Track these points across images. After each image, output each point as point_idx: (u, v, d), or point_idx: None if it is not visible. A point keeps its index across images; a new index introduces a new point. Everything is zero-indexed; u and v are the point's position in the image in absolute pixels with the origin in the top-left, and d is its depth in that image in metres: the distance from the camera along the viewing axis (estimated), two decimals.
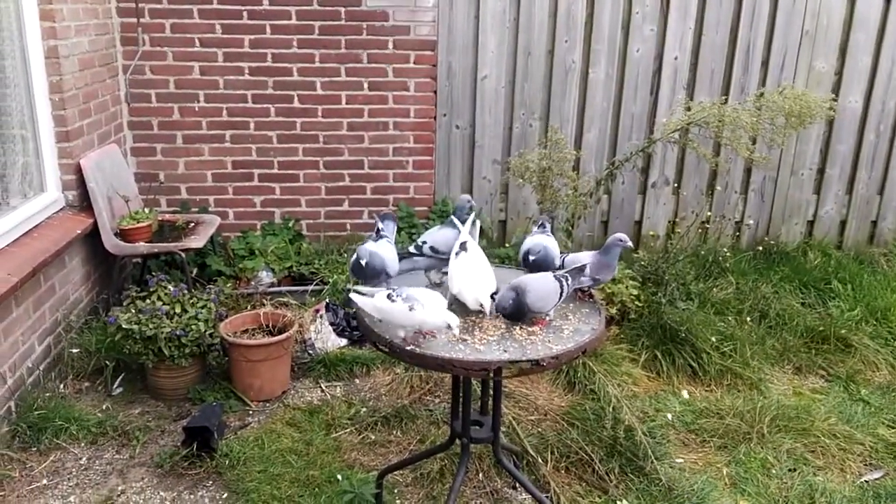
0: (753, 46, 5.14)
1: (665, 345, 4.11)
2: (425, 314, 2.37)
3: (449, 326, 2.36)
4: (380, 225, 2.88)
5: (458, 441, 2.84)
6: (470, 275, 2.56)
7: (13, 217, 3.72)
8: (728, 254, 4.98)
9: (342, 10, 4.84)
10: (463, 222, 2.84)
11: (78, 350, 3.90)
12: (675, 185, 5.40)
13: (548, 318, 2.59)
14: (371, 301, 2.47)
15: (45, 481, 3.18)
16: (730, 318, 4.40)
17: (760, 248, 5.30)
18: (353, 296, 2.54)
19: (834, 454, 3.42)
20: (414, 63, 4.99)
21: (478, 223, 2.87)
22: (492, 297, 2.53)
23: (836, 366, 4.21)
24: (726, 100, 4.95)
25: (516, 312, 2.51)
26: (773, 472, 3.31)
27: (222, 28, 4.82)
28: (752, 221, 5.49)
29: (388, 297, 2.42)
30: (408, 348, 2.39)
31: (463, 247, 2.65)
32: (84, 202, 4.21)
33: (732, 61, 5.18)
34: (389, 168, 5.19)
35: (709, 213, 5.38)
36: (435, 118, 5.14)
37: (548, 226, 3.03)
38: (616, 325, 4.38)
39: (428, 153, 5.19)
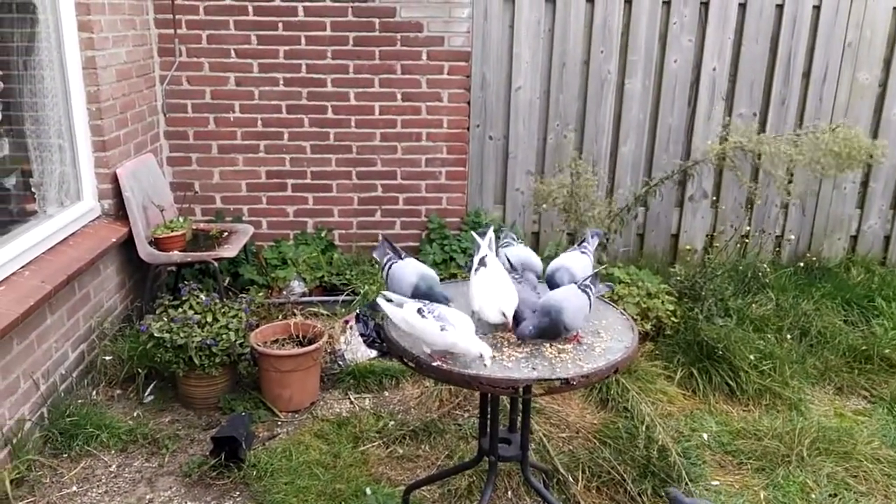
0: (794, 58, 5.04)
1: (701, 362, 4.02)
2: (457, 337, 2.29)
3: (481, 356, 2.30)
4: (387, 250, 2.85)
5: (485, 458, 2.80)
6: (491, 291, 2.49)
7: (49, 225, 3.78)
8: (768, 269, 4.86)
9: (377, 21, 4.84)
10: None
11: (111, 357, 3.94)
12: (714, 198, 5.29)
13: (581, 335, 2.53)
14: (399, 312, 2.41)
15: (74, 488, 3.20)
16: (769, 336, 4.29)
17: (801, 264, 5.17)
18: (380, 301, 2.48)
19: (877, 479, 3.30)
20: (448, 74, 4.98)
21: (491, 237, 2.78)
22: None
23: (879, 387, 4.07)
24: (766, 110, 4.90)
25: (547, 334, 2.46)
26: (813, 496, 3.20)
27: (258, 39, 4.85)
28: (793, 236, 5.36)
29: (419, 311, 2.35)
30: (434, 364, 2.34)
31: (482, 262, 2.58)
32: (120, 211, 4.26)
33: (773, 72, 5.07)
34: (422, 179, 5.17)
35: (748, 228, 5.27)
36: (468, 129, 5.11)
37: (591, 242, 2.93)
38: (651, 341, 4.30)
39: (461, 164, 5.16)
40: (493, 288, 2.50)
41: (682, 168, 4.55)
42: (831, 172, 4.18)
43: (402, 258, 2.78)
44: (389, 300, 2.49)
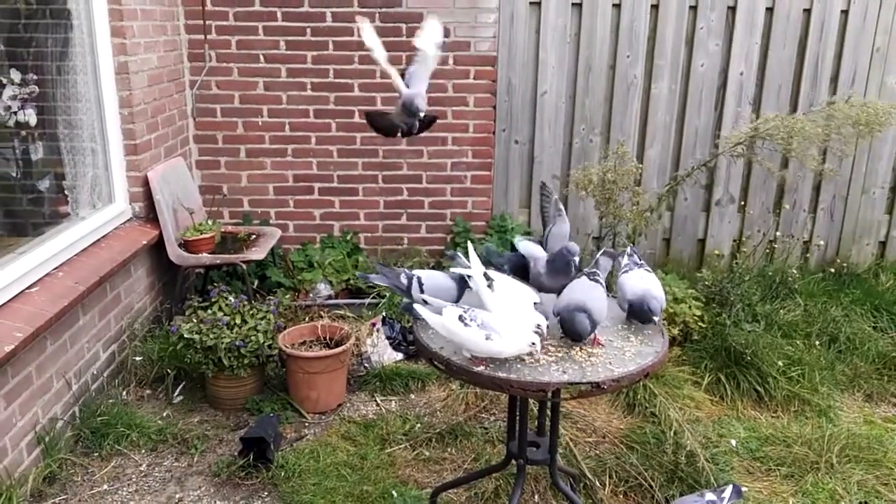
0: (822, 62, 5.00)
1: (729, 368, 4.00)
2: (503, 345, 2.28)
3: (533, 344, 2.30)
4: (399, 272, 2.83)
5: (513, 462, 2.80)
6: (515, 306, 2.44)
7: (82, 227, 3.83)
8: (796, 274, 4.83)
9: (403, 26, 4.86)
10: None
11: (141, 358, 3.98)
12: (741, 202, 5.26)
13: (599, 338, 2.53)
14: (439, 319, 2.37)
15: (105, 486, 3.24)
16: (797, 342, 4.25)
17: (830, 270, 5.13)
18: (417, 307, 2.44)
19: None
20: (474, 78, 4.99)
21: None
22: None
23: None
24: (794, 114, 4.86)
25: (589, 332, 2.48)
26: None
27: (286, 44, 4.89)
28: (821, 242, 5.32)
29: (460, 318, 2.32)
30: (476, 369, 2.33)
31: (487, 277, 2.51)
32: (150, 214, 4.31)
33: (800, 77, 5.04)
34: (447, 183, 5.19)
35: (776, 233, 5.24)
36: (494, 133, 5.12)
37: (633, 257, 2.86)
38: (678, 346, 4.28)
39: (486, 168, 5.17)
40: (515, 302, 2.46)
41: (703, 163, 4.54)
42: (853, 141, 4.27)
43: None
44: (426, 303, 2.46)
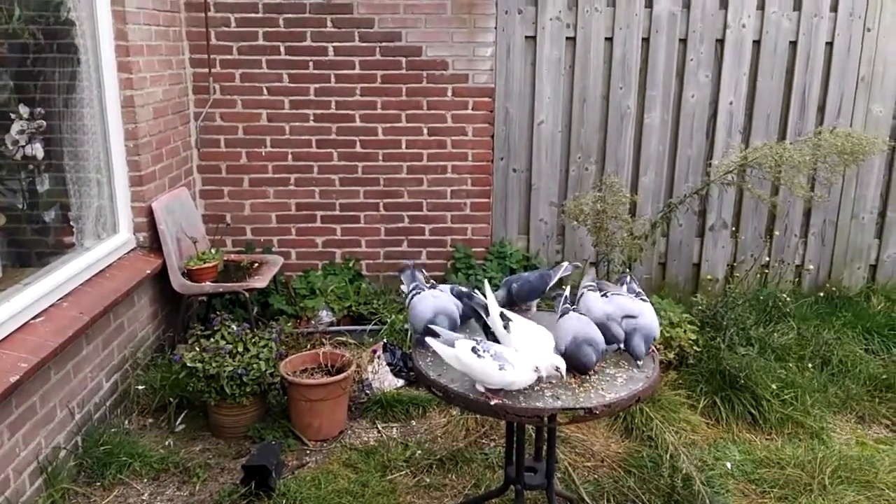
0: (809, 91, 5.12)
1: (724, 391, 4.05)
2: (516, 376, 2.28)
3: (557, 368, 2.33)
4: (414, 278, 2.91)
5: (512, 487, 2.85)
6: (534, 345, 2.44)
7: (87, 258, 3.88)
8: (788, 298, 4.90)
9: (403, 60, 4.99)
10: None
11: (143, 387, 4.02)
12: (734, 228, 5.35)
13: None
14: (452, 351, 2.37)
15: None
16: (791, 365, 4.31)
17: (822, 293, 5.20)
18: (429, 339, 2.46)
19: None
20: (472, 109, 5.10)
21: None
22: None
23: None
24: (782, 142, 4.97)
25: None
26: None
27: (289, 77, 5.01)
28: (812, 266, 5.40)
29: (473, 350, 2.32)
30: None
31: (503, 317, 2.53)
32: (154, 243, 4.37)
33: (788, 106, 5.15)
34: (447, 210, 5.28)
35: (767, 258, 5.31)
36: (492, 162, 5.22)
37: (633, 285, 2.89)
38: (674, 370, 4.34)
39: (485, 196, 5.26)
40: (535, 341, 2.46)
41: (694, 191, 4.64)
42: (839, 170, 4.36)
43: (424, 288, 2.84)
44: (438, 336, 2.48)
